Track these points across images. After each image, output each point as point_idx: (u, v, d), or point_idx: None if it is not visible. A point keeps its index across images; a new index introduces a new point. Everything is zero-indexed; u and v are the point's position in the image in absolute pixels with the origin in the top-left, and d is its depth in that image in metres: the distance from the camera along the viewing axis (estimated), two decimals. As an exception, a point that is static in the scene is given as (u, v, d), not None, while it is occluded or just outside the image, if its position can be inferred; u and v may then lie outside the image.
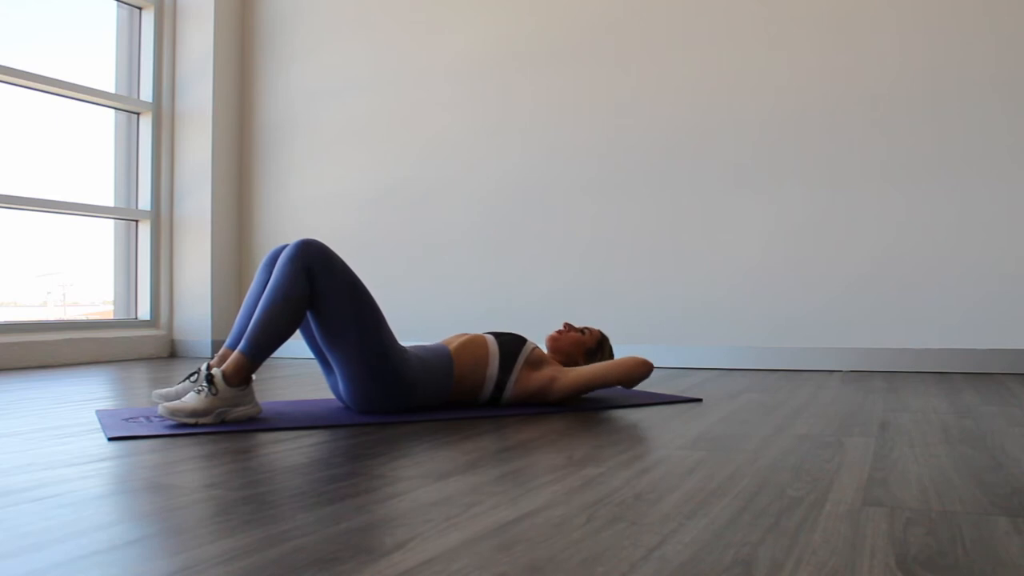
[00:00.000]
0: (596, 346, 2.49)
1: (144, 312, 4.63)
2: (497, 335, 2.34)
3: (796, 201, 3.54)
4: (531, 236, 4.03)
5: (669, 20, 3.79)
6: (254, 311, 2.16)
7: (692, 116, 3.73)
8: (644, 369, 2.32)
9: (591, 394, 2.57)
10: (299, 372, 3.58)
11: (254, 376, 2.05)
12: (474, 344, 2.27)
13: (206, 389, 1.97)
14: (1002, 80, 3.23)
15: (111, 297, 4.62)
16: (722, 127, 3.67)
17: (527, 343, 2.33)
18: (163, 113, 4.69)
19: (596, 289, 3.88)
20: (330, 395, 2.66)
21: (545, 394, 2.30)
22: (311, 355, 4.22)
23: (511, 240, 4.07)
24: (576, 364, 2.46)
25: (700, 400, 2.46)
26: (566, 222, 3.96)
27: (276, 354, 4.53)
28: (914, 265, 3.35)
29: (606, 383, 2.31)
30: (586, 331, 2.50)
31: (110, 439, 1.81)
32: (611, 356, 2.56)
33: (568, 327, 2.49)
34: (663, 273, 3.76)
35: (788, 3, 3.58)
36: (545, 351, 2.55)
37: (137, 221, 4.63)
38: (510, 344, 2.30)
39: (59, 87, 4.17)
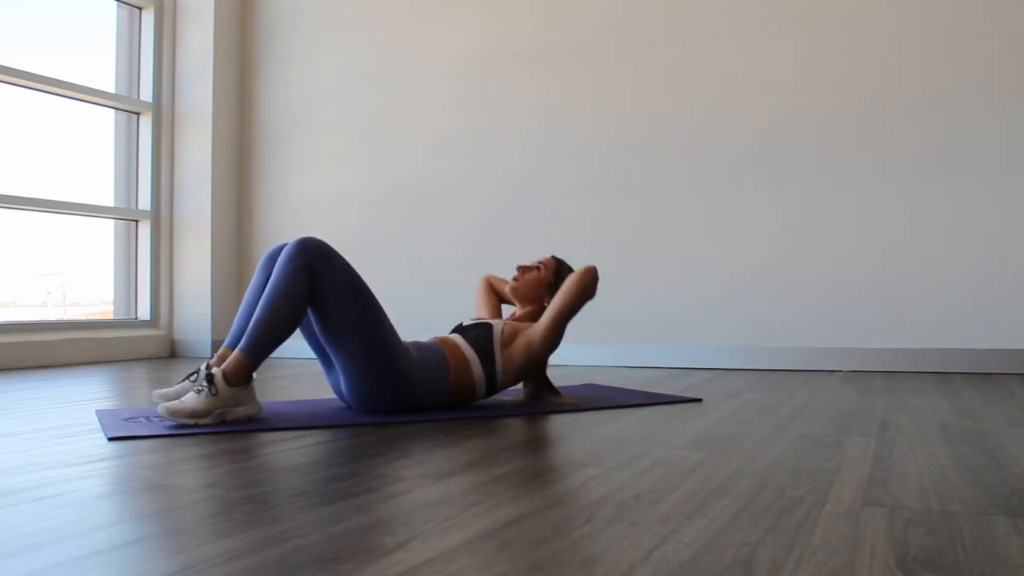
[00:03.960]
0: (555, 277, 2.44)
1: (144, 312, 4.63)
2: (465, 334, 2.31)
3: (796, 201, 3.54)
4: (531, 236, 4.03)
5: (669, 20, 3.79)
6: (253, 310, 2.16)
7: (691, 117, 3.73)
8: (591, 275, 2.29)
9: (590, 393, 2.57)
10: (299, 372, 3.58)
11: (255, 375, 2.04)
12: (454, 352, 2.26)
13: (206, 389, 1.96)
14: (1001, 81, 3.23)
15: (111, 297, 4.62)
16: (721, 128, 3.67)
17: (493, 327, 2.31)
18: (163, 113, 4.69)
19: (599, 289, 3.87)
20: (330, 395, 2.66)
21: (531, 360, 2.29)
22: (311, 355, 4.22)
23: (511, 240, 4.07)
24: (543, 303, 2.43)
25: (700, 400, 2.46)
26: (566, 222, 3.96)
27: (276, 354, 4.52)
28: (914, 265, 3.35)
29: (569, 310, 2.27)
30: (540, 266, 2.45)
31: (110, 439, 1.81)
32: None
33: (523, 270, 2.45)
34: (663, 273, 3.76)
35: (789, 3, 3.58)
36: (506, 290, 2.52)
37: (137, 221, 4.63)
38: (480, 339, 2.28)
39: (59, 87, 4.17)
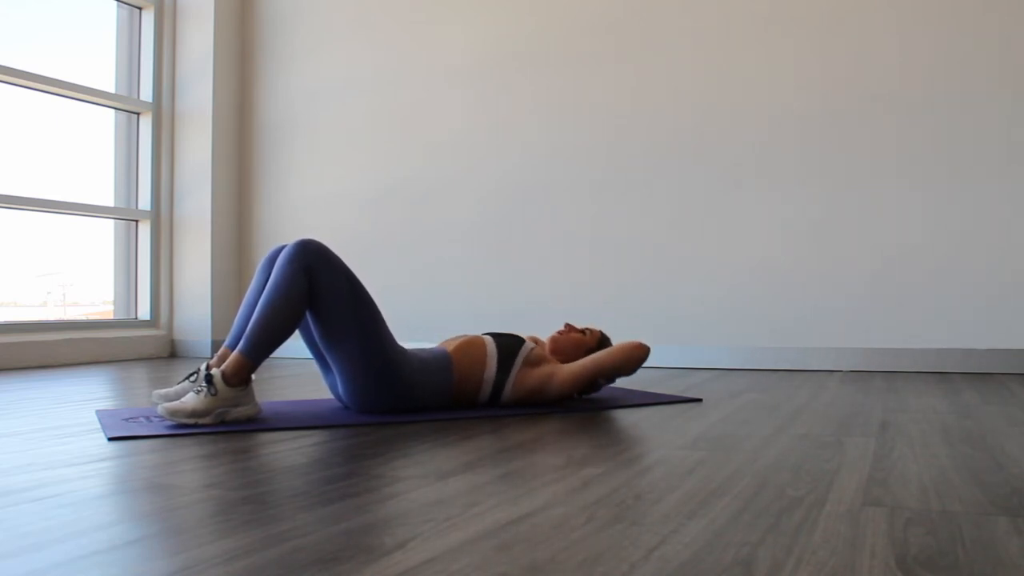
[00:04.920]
0: (596, 345, 2.47)
1: (144, 312, 4.63)
2: (495, 336, 2.33)
3: (797, 202, 3.54)
4: (531, 237, 4.03)
5: (669, 21, 3.79)
6: (253, 311, 2.16)
7: (690, 117, 3.73)
8: (641, 352, 2.30)
9: (592, 394, 2.57)
10: (299, 372, 3.58)
11: (254, 376, 2.04)
12: (472, 346, 2.27)
13: (205, 389, 1.97)
14: (1001, 82, 3.23)
15: (111, 297, 4.62)
16: (720, 128, 3.67)
17: (525, 343, 2.32)
18: (163, 113, 4.69)
19: (597, 290, 3.88)
20: (330, 395, 2.66)
21: (544, 391, 2.29)
22: (310, 355, 4.22)
23: (511, 241, 4.07)
24: None
25: (700, 400, 2.45)
26: (567, 222, 3.96)
27: (276, 354, 4.52)
28: (914, 265, 3.35)
29: (605, 372, 2.28)
30: (587, 331, 2.48)
31: (110, 439, 1.81)
32: None
33: (569, 328, 2.48)
34: (664, 273, 3.76)
35: (789, 3, 3.57)
36: (546, 350, 2.54)
37: (137, 221, 4.63)
38: (508, 345, 2.29)
39: (59, 87, 4.17)
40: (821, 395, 2.57)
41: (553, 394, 2.30)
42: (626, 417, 2.11)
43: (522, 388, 2.29)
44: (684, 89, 3.75)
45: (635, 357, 2.30)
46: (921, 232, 3.35)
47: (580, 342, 2.45)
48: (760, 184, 3.60)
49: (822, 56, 3.51)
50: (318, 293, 2.06)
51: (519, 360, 2.28)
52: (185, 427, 1.92)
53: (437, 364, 2.22)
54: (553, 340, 2.46)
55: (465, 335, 2.33)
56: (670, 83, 3.78)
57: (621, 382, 3.02)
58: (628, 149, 3.85)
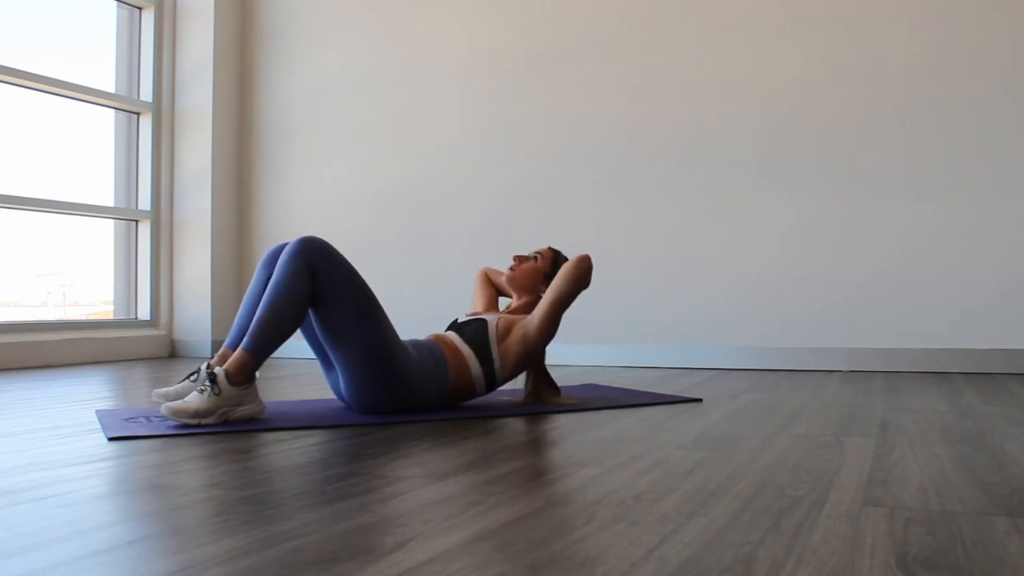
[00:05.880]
0: (551, 267, 2.44)
1: (144, 312, 4.63)
2: (460, 332, 2.31)
3: (797, 203, 3.54)
4: (533, 238, 4.02)
5: (676, 21, 3.79)
6: (254, 310, 2.16)
7: (695, 119, 3.73)
8: (586, 263, 2.27)
9: (590, 393, 2.57)
10: (300, 372, 3.58)
11: (257, 375, 2.04)
12: (452, 351, 2.26)
13: (209, 389, 1.96)
14: (1006, 87, 3.23)
15: (111, 297, 4.62)
16: (723, 131, 3.67)
17: (487, 323, 2.30)
18: (163, 113, 4.69)
19: (599, 290, 3.87)
20: (331, 395, 2.66)
21: (528, 351, 2.29)
22: (311, 355, 4.21)
23: (513, 242, 4.07)
24: (540, 293, 2.43)
25: (700, 400, 2.45)
26: (569, 224, 3.96)
27: (277, 354, 4.52)
28: (914, 266, 3.35)
29: (564, 299, 2.26)
30: (537, 256, 2.46)
31: (110, 439, 1.81)
32: None
33: (520, 259, 2.45)
34: (665, 274, 3.76)
35: (798, 4, 3.57)
36: (502, 280, 2.52)
37: (137, 221, 4.63)
38: (476, 335, 2.28)
39: (59, 87, 4.17)
40: (821, 395, 2.57)
41: (538, 346, 2.29)
42: (626, 417, 2.11)
43: (509, 363, 2.28)
44: (689, 92, 3.75)
45: (583, 272, 2.26)
46: (921, 233, 3.34)
47: (534, 270, 2.43)
48: (761, 185, 3.60)
49: (827, 58, 3.51)
50: (320, 290, 2.06)
51: (492, 343, 2.27)
52: (188, 427, 1.92)
53: (433, 363, 2.21)
54: (509, 279, 2.45)
55: (441, 336, 2.31)
56: (675, 86, 3.78)
57: (621, 382, 3.02)
58: (632, 152, 3.84)
